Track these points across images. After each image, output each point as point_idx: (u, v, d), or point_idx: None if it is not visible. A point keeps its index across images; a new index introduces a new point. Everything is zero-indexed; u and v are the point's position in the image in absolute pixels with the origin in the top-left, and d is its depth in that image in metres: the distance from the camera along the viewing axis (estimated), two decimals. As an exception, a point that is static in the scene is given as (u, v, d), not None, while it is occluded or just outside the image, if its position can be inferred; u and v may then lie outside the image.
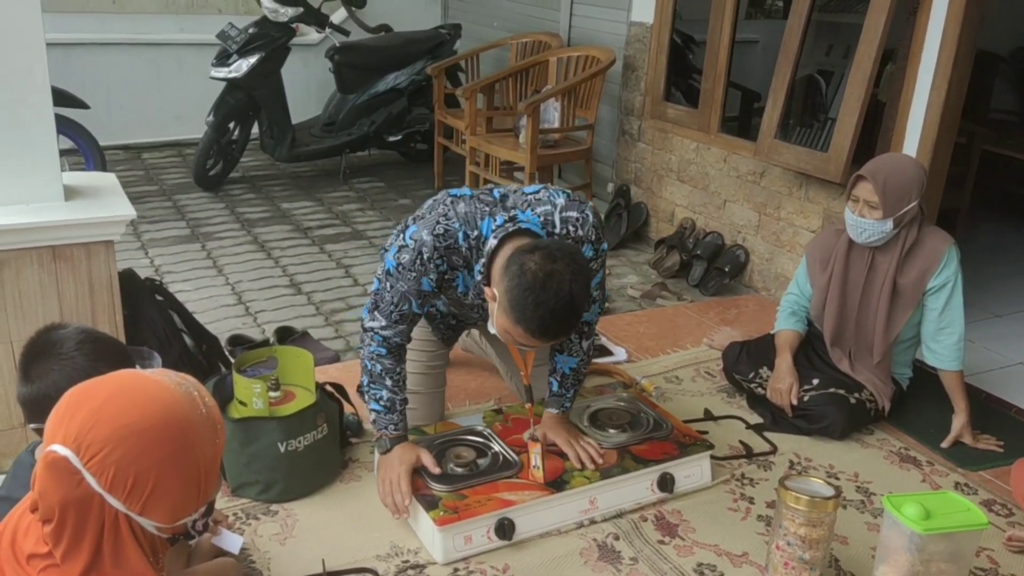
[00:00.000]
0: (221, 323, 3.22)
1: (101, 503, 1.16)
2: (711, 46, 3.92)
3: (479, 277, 1.96)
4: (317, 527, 2.07)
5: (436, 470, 2.05)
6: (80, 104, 4.25)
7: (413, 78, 5.22)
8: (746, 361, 2.76)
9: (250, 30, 4.72)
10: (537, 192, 2.05)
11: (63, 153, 2.24)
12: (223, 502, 2.12)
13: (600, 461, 2.15)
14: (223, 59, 4.70)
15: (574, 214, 2.01)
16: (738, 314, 3.52)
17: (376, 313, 2.07)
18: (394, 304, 2.04)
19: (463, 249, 1.97)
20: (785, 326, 2.74)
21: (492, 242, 1.90)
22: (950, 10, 2.90)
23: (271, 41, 4.73)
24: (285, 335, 3.02)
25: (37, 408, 1.50)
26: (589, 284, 1.85)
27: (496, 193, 2.04)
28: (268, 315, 3.35)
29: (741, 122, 4.91)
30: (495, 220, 1.94)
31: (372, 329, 2.09)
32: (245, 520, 2.08)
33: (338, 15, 5.51)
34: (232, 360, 2.59)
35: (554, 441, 2.20)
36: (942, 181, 3.16)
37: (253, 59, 4.66)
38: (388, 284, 2.03)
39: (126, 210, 2.20)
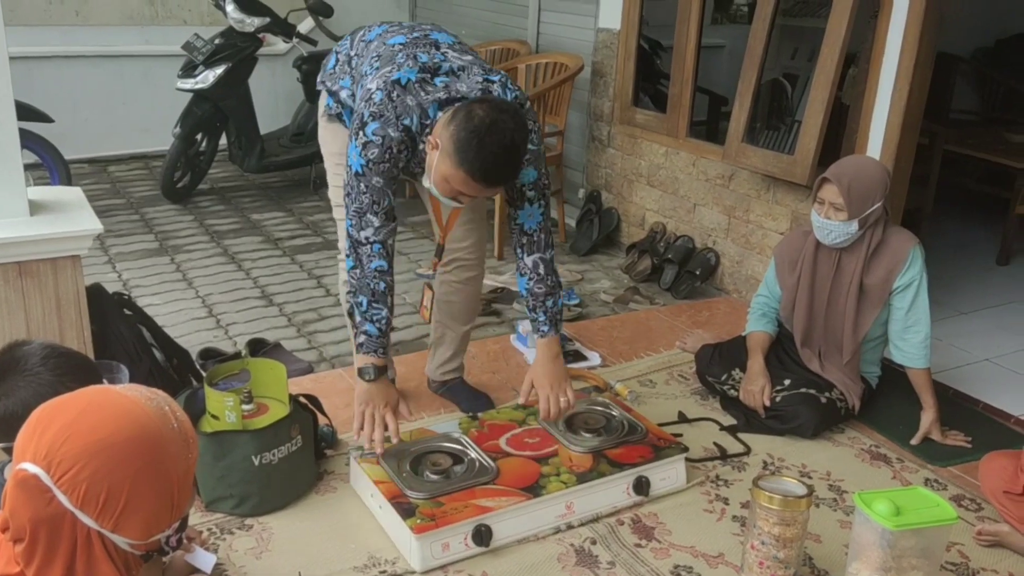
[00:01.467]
0: (192, 336, 3.20)
1: (73, 521, 1.15)
2: (678, 51, 3.96)
3: (425, 135, 2.03)
4: (293, 540, 2.06)
5: (408, 416, 2.17)
6: (44, 118, 4.19)
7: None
8: (719, 363, 2.79)
9: (216, 41, 4.69)
10: (484, 74, 2.10)
11: (27, 168, 2.21)
12: (197, 517, 2.10)
13: (564, 406, 2.23)
14: (189, 70, 4.66)
15: (511, 94, 2.10)
16: (710, 316, 3.55)
17: (368, 217, 2.07)
18: (376, 203, 2.07)
19: (415, 130, 2.04)
20: (756, 328, 2.77)
21: (440, 115, 2.01)
22: (910, 14, 2.95)
23: (237, 51, 4.70)
24: (257, 347, 3.00)
25: (5, 427, 1.48)
26: (527, 140, 1.99)
27: (438, 81, 2.06)
28: (240, 327, 3.32)
29: (709, 126, 4.95)
30: (441, 107, 2.03)
31: (368, 240, 2.08)
32: (220, 535, 2.06)
33: (305, 24, 5.49)
34: (204, 374, 2.57)
35: (534, 383, 2.26)
36: (906, 182, 3.21)
37: (220, 70, 4.63)
38: (362, 185, 2.06)
39: (92, 224, 2.18)
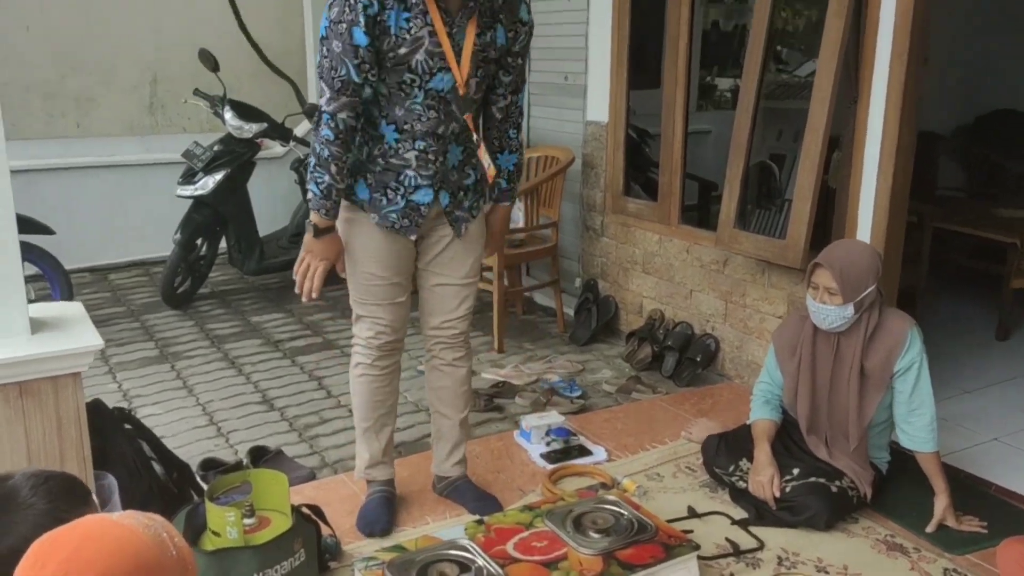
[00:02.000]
0: (193, 446, 3.16)
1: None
2: (665, 140, 4.05)
3: None
4: (298, 660, 1.99)
5: (342, 273, 2.35)
6: (45, 230, 4.24)
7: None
8: (725, 454, 2.76)
9: (215, 147, 4.79)
10: None
11: (28, 280, 2.22)
12: (199, 640, 2.04)
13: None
14: (189, 177, 4.74)
15: None
16: (713, 403, 3.53)
17: (322, 86, 2.15)
18: (334, 70, 2.12)
19: None
20: (760, 415, 2.76)
21: None
22: (889, 99, 3.03)
23: (236, 157, 4.80)
24: (258, 455, 2.96)
25: (7, 567, 1.44)
26: None
27: None
28: (240, 434, 3.29)
29: (700, 211, 5.03)
30: None
31: (320, 109, 2.17)
32: (222, 658, 1.99)
33: (301, 128, 5.62)
34: (204, 487, 2.54)
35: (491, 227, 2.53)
36: (898, 262, 3.24)
37: (219, 175, 4.72)
38: (324, 49, 2.12)
39: (94, 340, 2.18)
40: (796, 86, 6.65)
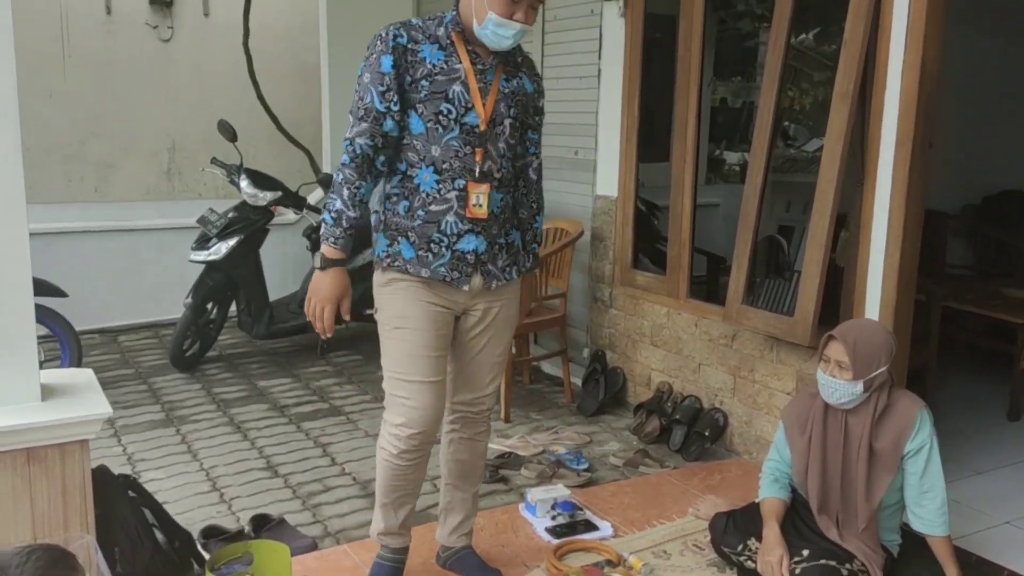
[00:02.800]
0: (195, 512, 3.14)
1: None
2: (674, 215, 4.09)
3: (451, 17, 2.26)
4: None
5: (346, 316, 2.32)
6: (59, 293, 4.28)
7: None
8: (734, 532, 2.72)
9: (230, 214, 4.86)
10: None
11: (39, 340, 2.24)
12: None
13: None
14: (203, 243, 4.81)
15: None
16: (722, 479, 3.49)
17: (349, 118, 2.24)
18: (360, 99, 2.23)
19: (418, 25, 2.25)
20: (769, 494, 2.72)
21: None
22: (894, 183, 3.07)
23: (250, 224, 4.87)
24: (261, 523, 2.94)
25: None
26: None
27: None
28: (243, 501, 3.27)
29: (709, 284, 5.05)
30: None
31: (346, 136, 2.25)
32: None
33: (314, 195, 5.72)
34: (205, 556, 2.51)
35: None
36: (907, 341, 3.23)
37: (232, 241, 4.78)
38: (357, 84, 2.24)
39: (102, 408, 2.19)
40: (804, 160, 6.75)
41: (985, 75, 5.50)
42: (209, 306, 4.92)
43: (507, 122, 2.33)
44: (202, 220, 4.87)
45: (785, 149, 6.99)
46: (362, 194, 2.26)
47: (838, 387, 2.51)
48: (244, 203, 4.90)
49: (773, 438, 2.84)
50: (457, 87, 2.24)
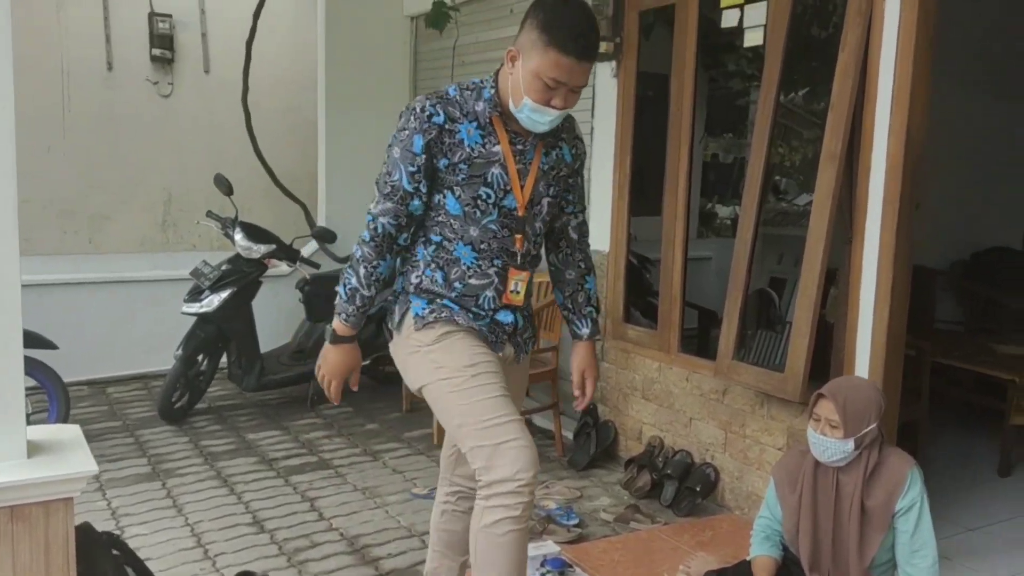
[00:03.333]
0: (179, 569, 3.09)
1: None
2: (665, 270, 4.12)
3: (489, 94, 2.17)
4: None
5: (354, 387, 2.36)
6: (49, 345, 4.26)
7: (381, 304, 5.36)
8: (724, 592, 2.69)
9: (223, 267, 4.88)
10: None
11: (26, 393, 2.22)
12: None
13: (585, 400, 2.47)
14: (195, 295, 4.81)
15: None
16: (713, 536, 3.46)
17: (375, 191, 2.19)
18: (388, 175, 2.16)
19: (455, 98, 2.17)
20: (760, 551, 2.70)
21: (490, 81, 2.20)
22: (882, 242, 3.11)
23: (243, 276, 4.89)
24: (246, 582, 2.90)
25: None
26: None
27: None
28: (228, 558, 3.22)
29: (700, 338, 5.06)
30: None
31: (368, 211, 2.20)
32: None
33: (308, 248, 5.74)
34: (189, 616, 2.47)
35: (585, 375, 2.48)
36: (897, 397, 3.24)
37: (225, 294, 4.79)
38: (386, 156, 2.18)
39: (88, 466, 2.16)
40: (795, 214, 6.81)
41: (973, 133, 5.59)
42: (200, 358, 4.90)
43: (545, 201, 2.28)
44: (195, 272, 4.89)
45: (776, 203, 7.06)
46: (379, 273, 2.21)
47: (829, 445, 2.51)
48: (238, 255, 4.92)
49: (764, 494, 2.83)
50: (496, 169, 2.17)
